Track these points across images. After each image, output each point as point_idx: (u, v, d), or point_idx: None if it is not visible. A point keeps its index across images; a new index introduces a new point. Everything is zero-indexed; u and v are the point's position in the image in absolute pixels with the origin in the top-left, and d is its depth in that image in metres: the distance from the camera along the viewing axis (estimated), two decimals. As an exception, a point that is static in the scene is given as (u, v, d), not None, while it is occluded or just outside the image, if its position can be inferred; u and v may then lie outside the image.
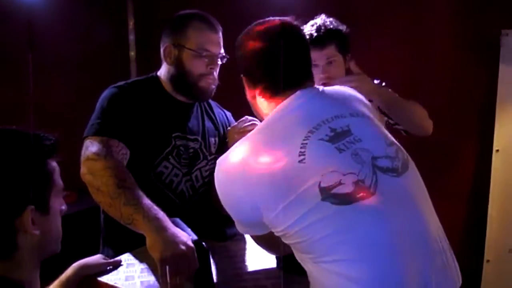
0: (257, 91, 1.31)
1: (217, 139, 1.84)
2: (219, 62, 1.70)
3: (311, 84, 1.31)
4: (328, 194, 1.08)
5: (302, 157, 1.12)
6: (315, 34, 1.87)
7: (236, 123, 1.78)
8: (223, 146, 1.85)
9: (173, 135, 1.70)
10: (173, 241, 1.24)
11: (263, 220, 1.17)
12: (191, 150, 1.74)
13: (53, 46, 2.93)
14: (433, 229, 1.16)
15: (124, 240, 1.54)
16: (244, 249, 1.62)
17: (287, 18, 1.33)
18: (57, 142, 1.02)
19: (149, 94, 1.69)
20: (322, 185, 1.09)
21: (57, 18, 2.99)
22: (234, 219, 1.28)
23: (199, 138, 1.77)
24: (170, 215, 1.36)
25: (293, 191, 1.10)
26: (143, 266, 1.47)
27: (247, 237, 1.69)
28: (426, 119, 1.96)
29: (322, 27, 1.95)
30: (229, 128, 1.81)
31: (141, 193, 1.40)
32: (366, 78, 1.78)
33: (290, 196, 1.10)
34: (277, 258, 1.46)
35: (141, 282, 1.38)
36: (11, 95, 2.62)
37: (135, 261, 1.50)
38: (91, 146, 1.50)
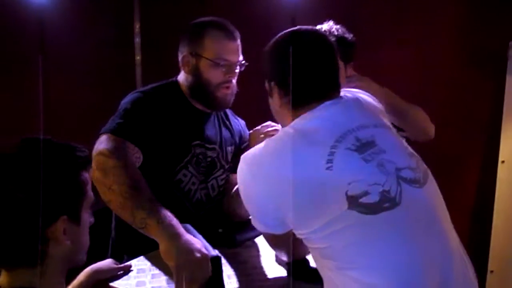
0: (285, 100, 1.31)
1: (233, 147, 1.84)
2: (237, 70, 1.69)
3: (338, 94, 1.32)
4: (355, 203, 1.10)
5: (329, 164, 1.13)
6: None
7: (259, 127, 1.76)
8: (239, 155, 1.85)
9: (193, 143, 1.70)
10: (188, 249, 1.24)
11: (285, 220, 1.18)
12: (209, 159, 1.74)
13: (59, 49, 2.93)
14: (453, 242, 1.18)
15: (135, 244, 1.54)
16: (254, 256, 1.62)
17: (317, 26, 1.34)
18: (90, 155, 1.05)
19: (171, 101, 1.68)
20: (349, 193, 1.10)
21: (63, 21, 2.99)
22: (252, 216, 1.30)
23: (217, 147, 1.77)
24: (183, 221, 1.35)
25: (319, 197, 1.12)
26: (154, 271, 1.47)
27: (257, 244, 1.69)
28: (428, 122, 1.98)
29: (327, 33, 1.96)
30: (251, 131, 1.79)
31: (154, 197, 1.39)
32: (371, 80, 1.80)
33: (316, 201, 1.12)
34: (287, 265, 1.46)
35: (153, 288, 1.38)
36: (20, 97, 2.62)
37: (146, 266, 1.50)
38: (105, 142, 1.47)
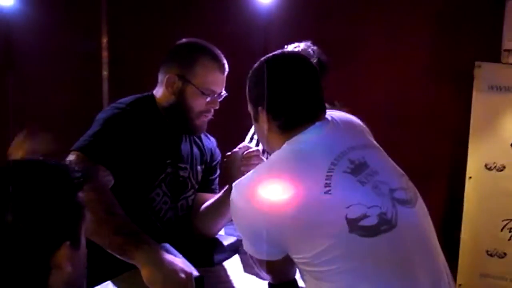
0: (273, 123, 1.29)
1: (203, 166, 1.81)
2: (219, 100, 1.68)
3: (324, 115, 1.32)
4: (355, 226, 1.10)
5: (327, 188, 1.13)
6: None
7: (236, 149, 1.71)
8: (209, 173, 1.84)
9: (167, 161, 1.66)
10: (172, 271, 1.22)
11: (281, 246, 1.17)
12: (181, 179, 1.71)
13: (28, 62, 2.86)
14: (440, 261, 1.23)
15: (105, 265, 1.48)
16: (233, 274, 1.60)
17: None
18: (84, 175, 0.98)
19: (147, 118, 1.64)
20: (349, 217, 1.10)
21: (32, 34, 2.92)
22: (246, 243, 1.28)
23: (188, 167, 1.73)
24: (156, 241, 1.33)
25: (318, 221, 1.12)
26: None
27: (235, 262, 1.67)
28: None
29: (304, 53, 1.98)
30: (228, 154, 1.76)
31: (129, 220, 1.36)
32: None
33: (315, 226, 1.12)
34: (269, 284, 1.44)
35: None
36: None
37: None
38: (75, 163, 1.41)
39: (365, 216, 1.11)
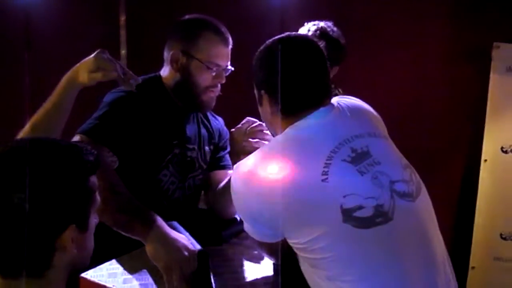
0: (276, 108, 1.28)
1: (211, 147, 1.82)
2: (225, 75, 1.67)
3: (330, 100, 1.31)
4: (349, 217, 1.10)
5: (325, 176, 1.13)
6: None
7: (240, 126, 1.73)
8: (218, 153, 1.85)
9: (174, 142, 1.67)
10: (175, 248, 1.25)
11: (279, 230, 1.18)
12: (188, 159, 1.72)
13: (45, 44, 2.89)
14: (439, 256, 1.21)
15: (119, 242, 1.52)
16: (240, 253, 1.61)
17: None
18: (98, 157, 0.97)
19: (153, 99, 1.65)
20: (344, 207, 1.11)
21: (48, 15, 2.95)
22: (246, 225, 1.30)
23: (196, 147, 1.74)
24: (165, 219, 1.35)
25: (314, 209, 1.12)
26: (140, 269, 1.46)
27: (243, 241, 1.69)
28: None
29: (318, 32, 1.97)
30: (232, 130, 1.77)
31: (134, 198, 1.38)
32: None
33: (310, 213, 1.12)
34: (274, 264, 1.47)
35: (140, 285, 1.36)
36: (7, 94, 2.58)
37: (119, 271, 1.47)
38: None
39: (360, 207, 1.11)
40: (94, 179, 0.97)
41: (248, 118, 1.71)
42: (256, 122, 1.68)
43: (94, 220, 1.01)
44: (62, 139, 1.15)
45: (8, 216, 0.87)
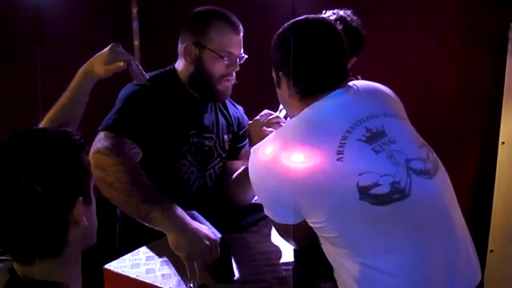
0: (294, 90, 1.30)
1: (230, 135, 1.84)
2: (239, 63, 1.68)
3: (347, 82, 1.32)
4: (366, 194, 1.12)
5: (340, 155, 1.15)
6: None
7: (258, 117, 1.73)
8: (238, 142, 1.86)
9: (190, 132, 1.69)
10: (197, 238, 1.26)
11: (298, 210, 1.20)
12: (206, 148, 1.74)
13: (57, 37, 2.91)
14: (459, 231, 1.22)
15: (142, 233, 1.55)
16: (260, 241, 1.64)
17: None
18: (84, 137, 1.04)
19: (169, 91, 1.67)
20: (360, 184, 1.12)
21: (61, 9, 2.96)
22: (265, 207, 1.31)
23: (214, 136, 1.76)
24: (186, 210, 1.36)
25: (330, 188, 1.14)
26: (162, 259, 1.48)
27: (262, 229, 1.71)
28: None
29: (336, 21, 1.95)
30: (250, 122, 1.78)
31: (156, 190, 1.40)
32: None
33: (327, 192, 1.14)
34: (294, 251, 1.48)
35: (162, 275, 1.40)
36: (19, 88, 2.60)
37: (153, 254, 1.51)
38: (103, 140, 1.46)
39: (376, 185, 1.12)
40: (85, 156, 1.05)
41: (265, 110, 1.72)
42: (273, 114, 1.69)
43: (93, 194, 1.07)
44: (49, 127, 1.27)
45: (20, 202, 0.92)
